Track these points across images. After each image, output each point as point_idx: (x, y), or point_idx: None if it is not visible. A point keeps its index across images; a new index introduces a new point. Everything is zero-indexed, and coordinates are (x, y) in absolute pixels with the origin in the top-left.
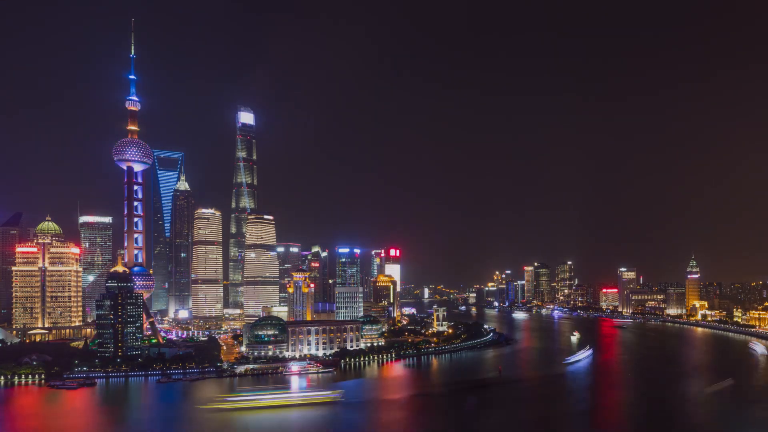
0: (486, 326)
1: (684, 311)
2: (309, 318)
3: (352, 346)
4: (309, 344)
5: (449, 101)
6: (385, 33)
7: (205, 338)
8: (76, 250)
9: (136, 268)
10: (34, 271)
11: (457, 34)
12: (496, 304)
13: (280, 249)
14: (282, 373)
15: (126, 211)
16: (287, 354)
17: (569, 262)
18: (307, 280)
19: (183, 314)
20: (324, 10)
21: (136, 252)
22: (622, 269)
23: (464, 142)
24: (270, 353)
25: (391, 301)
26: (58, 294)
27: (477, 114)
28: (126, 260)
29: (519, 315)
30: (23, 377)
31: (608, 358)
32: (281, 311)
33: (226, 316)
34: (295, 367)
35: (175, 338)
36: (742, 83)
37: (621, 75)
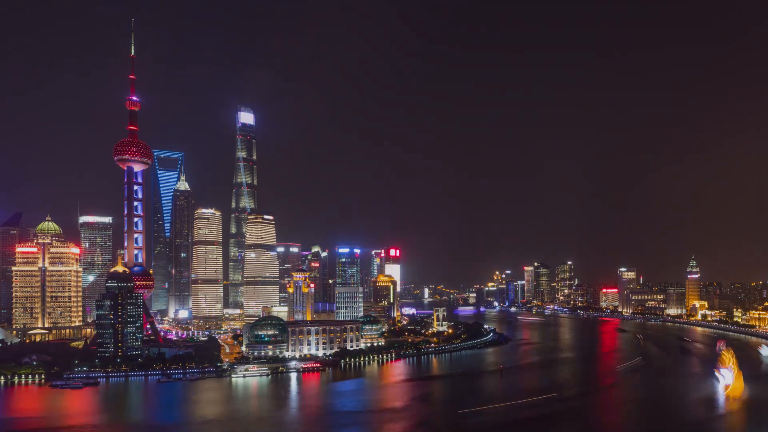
0: (486, 326)
1: (684, 311)
2: (309, 318)
3: (352, 346)
4: (309, 344)
5: (450, 103)
6: (383, 31)
7: (205, 338)
8: (76, 250)
9: (136, 268)
10: (34, 271)
11: (458, 29)
12: (496, 304)
13: (280, 249)
14: (282, 372)
15: (126, 211)
16: (287, 354)
17: (569, 262)
18: (307, 280)
19: (183, 314)
20: (324, 8)
21: (136, 252)
22: (622, 269)
23: (465, 143)
24: (270, 353)
25: (391, 301)
26: (58, 294)
27: (477, 115)
28: (126, 260)
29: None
30: (23, 377)
31: None
32: (281, 311)
33: (226, 316)
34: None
35: (175, 338)
36: (745, 85)
37: (623, 75)
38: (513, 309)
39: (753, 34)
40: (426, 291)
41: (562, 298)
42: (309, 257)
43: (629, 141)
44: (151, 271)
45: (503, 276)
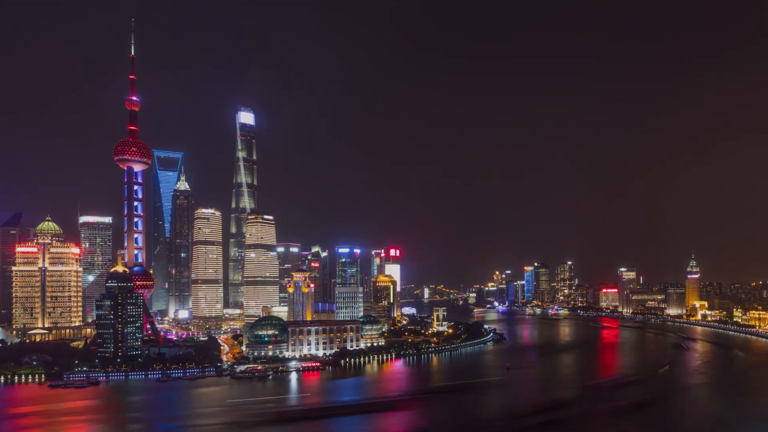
0: (486, 326)
1: (684, 311)
2: (309, 318)
3: (352, 346)
4: (309, 344)
5: (451, 101)
6: (382, 32)
7: (205, 338)
8: (76, 250)
9: (136, 268)
10: (34, 271)
11: (457, 30)
12: (496, 304)
13: (280, 249)
14: (282, 372)
15: (126, 211)
16: (287, 354)
17: (569, 262)
18: (307, 280)
19: (183, 314)
20: (325, 8)
21: (136, 252)
22: (622, 269)
23: (465, 143)
24: (270, 353)
25: (391, 301)
26: (58, 294)
27: (477, 113)
28: (126, 260)
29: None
30: (23, 377)
31: None
32: (281, 311)
33: (226, 316)
34: None
35: (175, 338)
36: (746, 90)
37: (624, 76)
38: (518, 310)
39: (754, 43)
40: (426, 291)
41: (562, 298)
42: (309, 257)
43: (629, 141)
44: (151, 271)
45: (503, 276)
